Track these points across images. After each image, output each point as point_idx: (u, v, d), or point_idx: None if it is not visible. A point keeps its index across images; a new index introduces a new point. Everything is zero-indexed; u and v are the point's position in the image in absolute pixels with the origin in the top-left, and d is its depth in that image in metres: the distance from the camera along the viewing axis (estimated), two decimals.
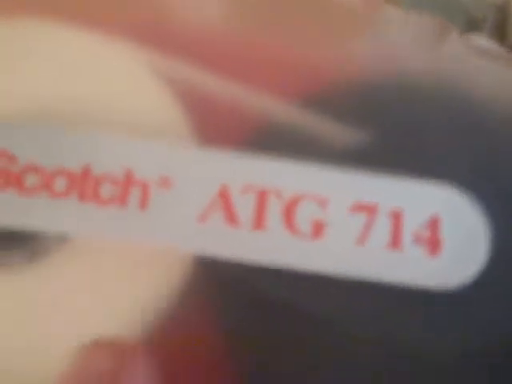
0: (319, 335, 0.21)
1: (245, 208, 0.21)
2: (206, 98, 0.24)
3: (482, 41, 0.25)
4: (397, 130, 0.23)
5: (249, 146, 0.23)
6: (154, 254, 0.22)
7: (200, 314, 0.22)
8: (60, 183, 0.21)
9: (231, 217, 0.21)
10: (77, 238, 0.22)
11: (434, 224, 0.21)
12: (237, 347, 0.22)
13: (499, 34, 0.28)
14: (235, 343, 0.22)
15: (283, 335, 0.21)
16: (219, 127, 0.24)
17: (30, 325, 0.22)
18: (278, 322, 0.21)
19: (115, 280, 0.22)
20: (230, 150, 0.22)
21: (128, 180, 0.21)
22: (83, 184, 0.21)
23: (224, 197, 0.21)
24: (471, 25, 0.27)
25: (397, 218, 0.21)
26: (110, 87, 0.23)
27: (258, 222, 0.21)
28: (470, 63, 0.25)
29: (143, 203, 0.21)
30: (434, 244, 0.21)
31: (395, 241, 0.21)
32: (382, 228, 0.21)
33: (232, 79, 0.24)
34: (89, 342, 0.20)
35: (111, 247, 0.22)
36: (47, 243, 0.22)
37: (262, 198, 0.21)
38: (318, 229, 0.21)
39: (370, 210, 0.21)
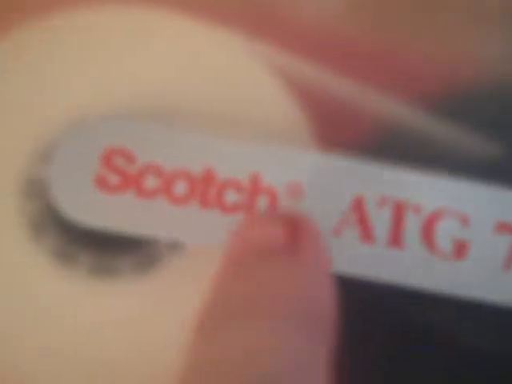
0: (453, 359, 0.20)
1: (381, 223, 0.19)
2: (326, 99, 0.23)
3: None
4: None
5: (373, 152, 0.21)
6: None
7: None
8: (180, 187, 0.20)
9: (366, 232, 0.19)
10: (191, 247, 0.21)
11: None
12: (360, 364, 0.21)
13: None
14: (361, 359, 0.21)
15: (414, 356, 0.20)
16: (340, 131, 0.22)
17: (135, 333, 0.21)
18: (409, 344, 0.20)
19: None
20: (351, 155, 0.20)
21: (255, 186, 0.19)
22: (206, 189, 0.19)
23: (358, 209, 0.19)
24: None
25: None
26: (231, 88, 0.22)
27: (395, 238, 0.19)
28: None
29: (272, 211, 0.19)
30: None
31: None
32: None
33: (353, 80, 0.23)
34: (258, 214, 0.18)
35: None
36: (159, 250, 0.21)
37: (398, 212, 0.19)
38: (460, 249, 0.19)
39: None
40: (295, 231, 0.18)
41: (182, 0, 0.23)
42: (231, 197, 0.19)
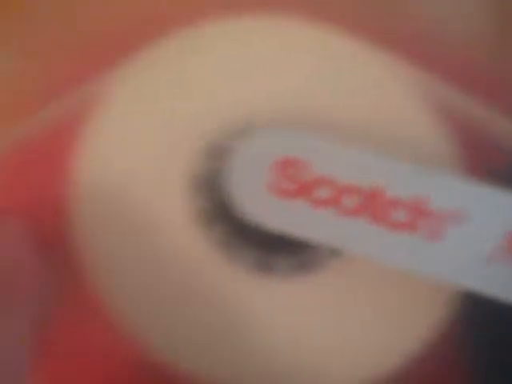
0: None
1: None
2: (474, 128, 0.24)
3: None
4: None
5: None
6: (426, 288, 0.22)
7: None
8: (350, 200, 0.21)
9: None
10: (350, 256, 0.22)
11: None
12: None
13: None
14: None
15: None
16: (485, 160, 0.24)
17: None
18: None
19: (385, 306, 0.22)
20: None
21: (420, 208, 0.21)
22: (374, 205, 0.21)
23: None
24: None
25: None
26: (388, 112, 0.23)
27: None
28: None
29: (434, 234, 0.21)
30: None
31: None
32: None
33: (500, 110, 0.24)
34: None
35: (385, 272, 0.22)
36: (319, 255, 0.22)
37: None
38: None
39: None
40: None
41: (344, 17, 0.24)
42: (398, 215, 0.21)
